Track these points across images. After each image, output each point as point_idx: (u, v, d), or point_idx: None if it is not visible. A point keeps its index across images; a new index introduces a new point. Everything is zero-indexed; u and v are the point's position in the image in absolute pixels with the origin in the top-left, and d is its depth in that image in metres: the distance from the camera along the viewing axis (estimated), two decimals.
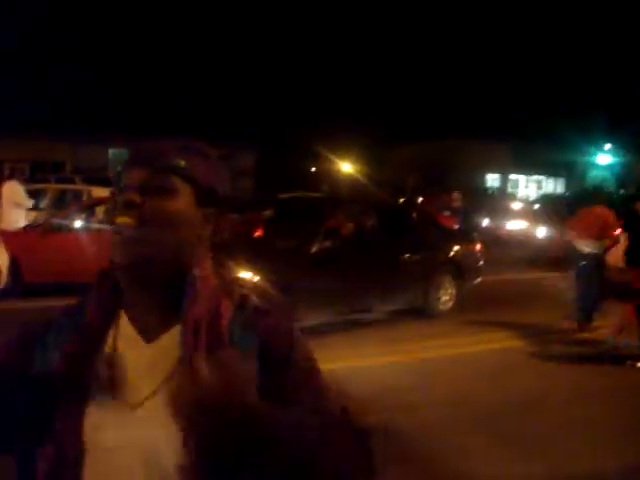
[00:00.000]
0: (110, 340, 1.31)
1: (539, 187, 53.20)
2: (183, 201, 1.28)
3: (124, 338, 1.30)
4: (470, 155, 45.62)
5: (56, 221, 11.52)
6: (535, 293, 11.67)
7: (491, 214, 22.44)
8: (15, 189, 13.63)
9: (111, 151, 43.74)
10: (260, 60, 57.65)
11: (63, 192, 16.64)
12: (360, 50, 62.72)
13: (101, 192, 17.39)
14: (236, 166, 45.88)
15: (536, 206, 25.06)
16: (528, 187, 53.35)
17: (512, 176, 52.23)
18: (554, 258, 14.00)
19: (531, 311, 10.07)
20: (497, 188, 46.40)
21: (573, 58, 56.48)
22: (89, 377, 1.27)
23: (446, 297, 10.19)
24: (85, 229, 11.42)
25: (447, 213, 17.02)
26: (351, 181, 33.56)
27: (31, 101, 41.33)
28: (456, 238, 11.27)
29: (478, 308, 10.37)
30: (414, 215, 10.99)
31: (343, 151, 43.28)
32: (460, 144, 46.06)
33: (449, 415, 5.97)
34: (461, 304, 10.28)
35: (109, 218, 1.28)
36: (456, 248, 10.60)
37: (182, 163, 1.29)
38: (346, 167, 42.90)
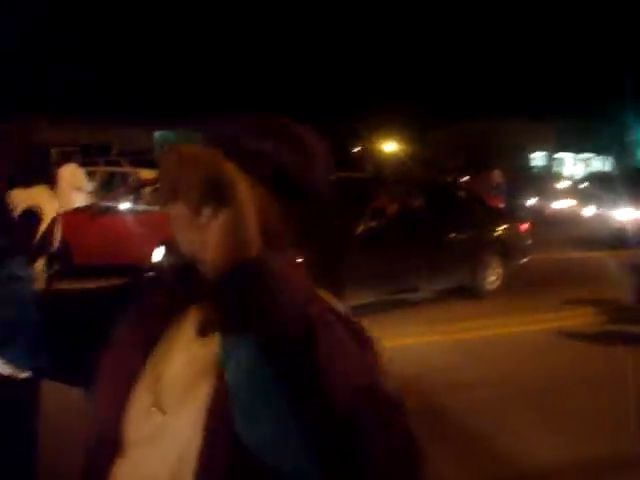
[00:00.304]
0: (168, 334, 1.24)
1: (587, 165, 52.35)
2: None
3: (182, 335, 1.23)
4: (515, 134, 45.05)
5: (104, 203, 11.70)
6: (582, 273, 11.50)
7: (537, 193, 22.16)
8: (76, 172, 13.73)
9: (157, 133, 44.15)
10: (304, 40, 57.48)
11: (111, 175, 16.88)
12: (404, 30, 62.16)
13: (148, 174, 17.63)
14: None
15: (583, 185, 24.67)
16: (576, 165, 52.54)
17: (558, 155, 51.46)
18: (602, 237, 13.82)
19: (578, 291, 9.93)
20: (543, 167, 45.75)
21: (621, 34, 55.22)
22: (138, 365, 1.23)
23: (493, 277, 10.11)
24: (132, 211, 11.57)
25: (493, 193, 16.88)
26: (395, 161, 33.40)
27: (78, 84, 41.86)
28: (503, 217, 11.18)
29: (525, 288, 10.29)
30: (460, 194, 10.90)
31: (386, 131, 43.08)
32: (505, 123, 45.51)
33: (495, 395, 5.93)
34: (508, 284, 10.20)
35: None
36: (503, 227, 10.50)
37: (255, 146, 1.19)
38: (390, 147, 42.72)
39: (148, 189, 12.83)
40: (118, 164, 20.71)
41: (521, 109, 44.67)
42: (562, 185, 26.27)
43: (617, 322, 8.65)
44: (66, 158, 15.01)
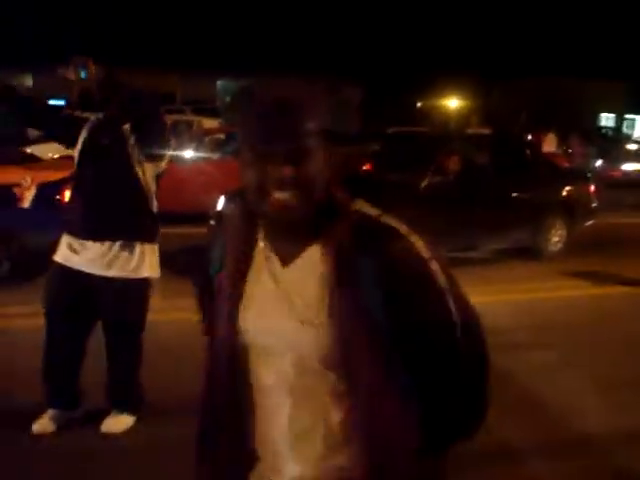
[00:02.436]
0: (254, 261, 1.55)
1: None
2: (320, 154, 1.42)
3: (265, 261, 1.54)
4: (583, 94, 43.84)
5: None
6: None
7: (605, 155, 21.56)
8: None
9: (219, 82, 44.23)
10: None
11: (174, 123, 16.98)
12: None
13: (210, 123, 17.71)
14: (344, 100, 45.79)
15: None
16: None
17: (628, 116, 49.95)
18: None
19: None
20: (612, 128, 44.49)
21: None
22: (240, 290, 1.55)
23: (556, 238, 9.92)
24: (195, 160, 11.66)
25: (559, 151, 16.51)
26: (460, 117, 32.87)
27: (141, 32, 42.07)
28: (569, 178, 10.90)
29: (588, 251, 10.06)
30: (526, 152, 10.66)
31: (452, 87, 42.36)
32: (573, 82, 44.32)
33: (551, 358, 5.86)
34: (571, 246, 9.99)
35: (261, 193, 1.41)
36: (569, 188, 10.26)
37: (315, 124, 1.41)
38: (454, 103, 42.05)
39: (210, 138, 12.90)
40: (182, 112, 20.83)
41: (592, 67, 43.37)
42: (632, 147, 25.53)
43: None
44: None
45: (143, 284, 4.07)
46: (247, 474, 1.64)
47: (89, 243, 3.92)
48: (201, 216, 8.57)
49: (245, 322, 1.53)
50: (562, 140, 19.07)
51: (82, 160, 4.05)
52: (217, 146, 12.39)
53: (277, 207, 1.41)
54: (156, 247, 4.15)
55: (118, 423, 4.15)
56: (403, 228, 1.50)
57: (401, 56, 46.53)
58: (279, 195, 1.39)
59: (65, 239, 4.01)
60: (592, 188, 10.84)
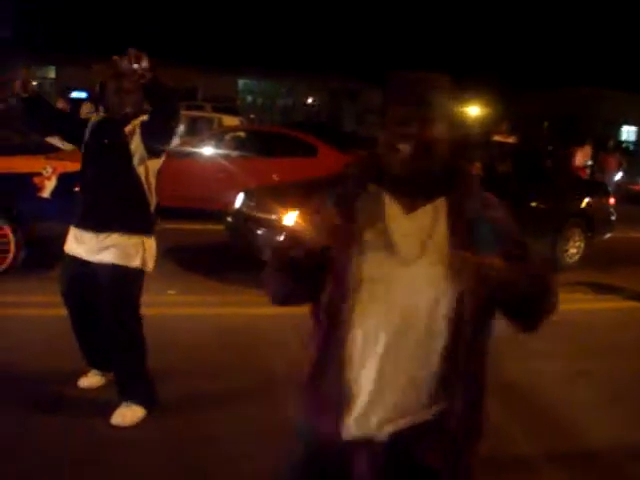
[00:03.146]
0: (380, 211, 1.87)
1: None
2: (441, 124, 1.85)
3: (390, 211, 1.88)
4: (605, 106, 43.60)
5: (187, 148, 11.82)
6: None
7: (626, 169, 21.42)
8: None
9: (241, 81, 44.36)
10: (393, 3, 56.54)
11: (194, 119, 17.03)
12: None
13: (230, 121, 17.76)
14: (364, 103, 45.73)
15: None
16: None
17: None
18: None
19: None
20: (633, 142, 44.22)
21: None
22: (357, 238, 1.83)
23: (574, 250, 9.85)
24: (215, 156, 11.68)
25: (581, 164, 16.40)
26: (482, 125, 32.78)
27: (166, 28, 42.23)
28: (589, 190, 10.83)
29: (605, 264, 9.99)
30: (547, 163, 10.62)
31: (474, 95, 42.22)
32: (595, 94, 44.08)
33: (565, 368, 5.84)
34: (589, 259, 9.93)
35: (389, 139, 1.83)
36: (588, 200, 10.19)
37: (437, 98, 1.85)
38: (476, 110, 41.91)
39: (230, 135, 12.92)
40: (202, 109, 20.89)
41: (614, 79, 43.13)
42: None
43: None
44: None
45: (136, 273, 4.18)
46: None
47: (87, 235, 4.13)
48: (220, 213, 8.60)
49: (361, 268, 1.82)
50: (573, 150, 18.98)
51: (85, 158, 4.25)
52: (237, 144, 12.42)
53: (400, 157, 1.80)
54: (152, 241, 4.27)
55: (127, 415, 4.17)
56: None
57: (422, 63, 46.46)
58: (402, 147, 1.79)
59: (71, 230, 4.26)
60: (611, 201, 10.77)
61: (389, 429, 1.83)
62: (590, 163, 16.85)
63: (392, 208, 1.87)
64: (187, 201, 10.64)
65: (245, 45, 43.05)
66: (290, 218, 7.45)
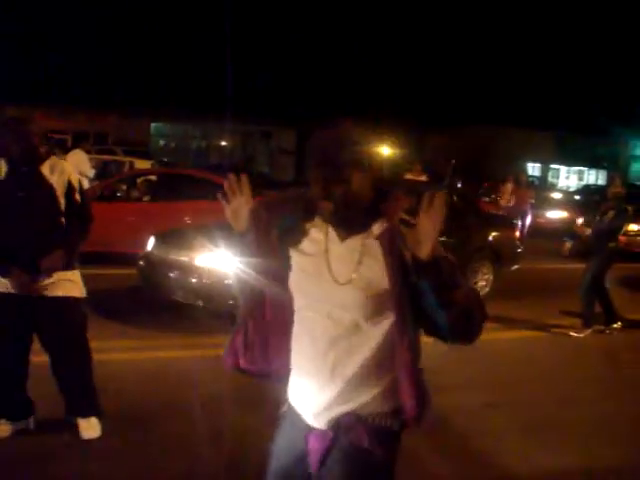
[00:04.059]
0: (323, 239, 2.28)
1: (580, 178, 52.49)
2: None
3: (330, 239, 2.28)
4: (512, 143, 45.14)
5: (99, 191, 11.67)
6: (572, 284, 11.51)
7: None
8: (81, 158, 13.70)
9: (153, 125, 44.05)
10: (302, 42, 57.38)
11: (106, 163, 16.86)
12: (405, 36, 62.12)
13: (142, 164, 17.64)
14: (277, 145, 46.07)
15: (577, 197, 24.80)
16: (569, 178, 52.69)
17: (553, 166, 51.59)
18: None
19: (567, 301, 9.93)
20: (538, 177, 45.87)
21: (618, 48, 55.33)
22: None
23: (483, 282, 10.12)
24: (126, 200, 11.56)
25: (485, 199, 16.90)
26: (389, 164, 33.40)
27: (76, 74, 41.71)
28: (495, 223, 11.18)
29: (515, 295, 10.29)
30: (453, 198, 10.91)
31: (382, 134, 43.06)
32: (501, 131, 45.58)
33: (481, 399, 5.96)
34: (497, 290, 10.20)
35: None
36: (495, 233, 10.51)
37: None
38: (384, 150, 42.77)
39: (141, 179, 12.83)
40: (113, 153, 20.69)
41: (519, 118, 44.74)
42: (557, 196, 26.38)
43: (602, 333, 8.67)
44: (77, 144, 14.91)
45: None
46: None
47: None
48: (131, 257, 8.51)
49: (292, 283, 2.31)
50: (496, 187, 19.50)
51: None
52: (148, 187, 12.32)
53: (326, 209, 2.18)
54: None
55: (93, 427, 4.53)
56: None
57: (333, 103, 47.18)
58: (324, 204, 2.17)
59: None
60: (517, 233, 11.14)
61: (330, 415, 2.26)
62: (497, 198, 17.39)
63: (332, 235, 2.28)
64: (98, 245, 10.46)
65: (157, 88, 42.83)
66: (201, 260, 7.44)
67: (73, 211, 4.42)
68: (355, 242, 2.24)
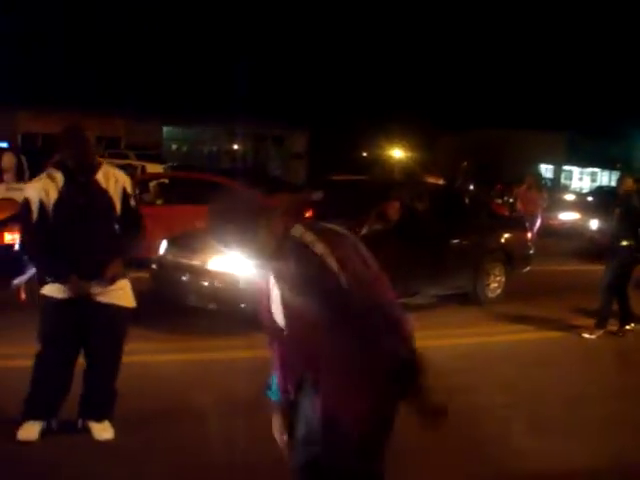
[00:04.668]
0: None
1: (593, 180, 52.32)
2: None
3: None
4: (524, 145, 45.07)
5: None
6: (584, 285, 11.47)
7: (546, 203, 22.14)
8: None
9: (165, 129, 44.19)
10: (314, 46, 57.49)
11: (118, 167, 16.90)
12: (417, 39, 62.12)
13: (154, 168, 17.71)
14: (289, 148, 46.15)
15: (589, 198, 24.70)
16: (582, 179, 52.51)
17: (566, 167, 51.41)
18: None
19: (579, 302, 9.91)
20: (550, 179, 45.72)
21: (631, 50, 55.11)
22: None
23: (495, 284, 10.12)
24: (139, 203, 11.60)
25: (498, 201, 16.87)
26: (403, 166, 33.40)
27: (90, 77, 41.92)
28: (507, 225, 11.17)
29: (526, 297, 10.27)
30: (466, 200, 10.91)
31: (396, 138, 43.07)
32: (513, 133, 45.51)
33: (492, 400, 5.95)
34: (509, 292, 10.20)
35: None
36: (507, 235, 10.51)
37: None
38: (398, 153, 42.75)
39: (154, 182, 12.89)
40: (125, 157, 20.76)
41: (533, 120, 44.64)
42: (569, 197, 26.29)
43: (614, 334, 8.64)
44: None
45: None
46: None
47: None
48: (144, 261, 8.54)
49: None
50: (507, 189, 19.41)
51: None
52: (161, 191, 12.38)
53: None
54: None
55: (107, 430, 4.58)
56: (309, 240, 2.55)
57: (347, 107, 47.21)
58: None
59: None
60: (529, 235, 11.13)
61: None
62: (510, 200, 17.33)
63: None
64: None
65: (169, 92, 42.99)
66: (214, 263, 7.47)
67: (129, 217, 4.57)
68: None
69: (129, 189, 4.61)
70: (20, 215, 4.50)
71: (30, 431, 4.44)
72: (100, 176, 4.47)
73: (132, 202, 4.60)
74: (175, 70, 47.51)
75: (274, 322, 2.72)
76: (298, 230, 2.61)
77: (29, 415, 4.47)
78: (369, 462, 2.67)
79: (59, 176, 4.40)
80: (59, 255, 4.34)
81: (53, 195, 4.35)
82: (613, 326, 8.66)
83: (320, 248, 2.54)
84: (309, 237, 2.57)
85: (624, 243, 8.43)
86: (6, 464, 4.13)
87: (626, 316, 8.67)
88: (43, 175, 4.47)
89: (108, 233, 4.47)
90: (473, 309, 9.58)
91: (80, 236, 4.35)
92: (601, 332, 8.49)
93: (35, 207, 4.35)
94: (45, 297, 4.45)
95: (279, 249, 2.58)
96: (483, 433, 5.21)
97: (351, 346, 2.49)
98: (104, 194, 4.46)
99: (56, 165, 4.49)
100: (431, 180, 12.91)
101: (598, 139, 46.86)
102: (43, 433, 4.48)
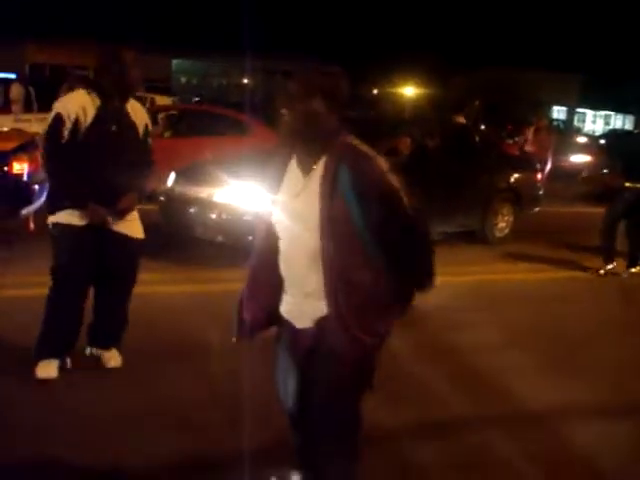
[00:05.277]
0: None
1: (606, 123, 51.75)
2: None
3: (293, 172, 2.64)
4: (537, 86, 44.42)
5: None
6: (592, 227, 11.44)
7: (555, 146, 21.92)
8: None
9: (175, 62, 43.74)
10: None
11: None
12: None
13: (163, 100, 17.57)
14: None
15: (602, 141, 24.48)
16: (595, 122, 51.95)
17: (579, 110, 50.81)
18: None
19: (587, 243, 9.89)
20: (563, 121, 45.21)
21: None
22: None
23: (503, 224, 10.09)
24: None
25: (509, 141, 16.69)
26: (414, 103, 33.06)
27: (99, 8, 41.34)
28: (517, 165, 11.08)
29: (534, 237, 10.27)
30: (477, 139, 10.80)
31: (408, 76, 42.53)
32: (528, 73, 44.84)
33: (498, 336, 6.00)
34: (518, 232, 10.18)
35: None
36: (516, 175, 10.43)
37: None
38: (409, 91, 42.26)
39: (162, 115, 12.79)
40: None
41: (547, 60, 43.93)
42: (581, 140, 26.07)
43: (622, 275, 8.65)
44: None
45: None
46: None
47: None
48: (151, 193, 8.52)
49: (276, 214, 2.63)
50: (518, 130, 19.16)
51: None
52: (170, 123, 12.30)
53: (283, 123, 2.54)
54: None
55: (115, 358, 4.65)
56: (371, 152, 2.49)
57: (358, 45, 46.52)
58: (283, 111, 2.53)
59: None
60: (539, 176, 11.05)
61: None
62: (520, 140, 17.12)
63: (297, 171, 2.62)
64: None
65: (179, 25, 42.41)
66: (221, 195, 7.46)
67: (145, 154, 4.52)
68: (315, 174, 2.54)
69: (150, 126, 4.58)
70: (50, 129, 4.20)
71: (49, 369, 4.36)
72: (129, 106, 4.39)
73: (149, 140, 4.56)
74: (184, 2, 46.76)
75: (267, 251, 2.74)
76: (354, 139, 2.54)
77: (46, 353, 4.38)
78: (363, 385, 2.71)
79: (96, 97, 4.23)
80: (81, 179, 4.20)
81: (90, 114, 4.18)
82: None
83: (383, 163, 2.51)
84: (369, 149, 2.51)
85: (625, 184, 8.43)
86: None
87: (609, 256, 8.70)
88: (81, 91, 4.27)
89: (130, 164, 4.34)
90: (480, 248, 9.58)
91: (105, 163, 4.22)
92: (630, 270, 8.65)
93: (69, 123, 4.15)
94: (60, 225, 4.30)
95: (327, 148, 2.51)
96: (487, 369, 5.25)
97: (388, 267, 2.50)
98: (132, 125, 4.38)
99: (91, 85, 4.33)
100: (459, 120, 12.53)
101: (612, 82, 46.14)
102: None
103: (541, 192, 10.94)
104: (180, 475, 3.55)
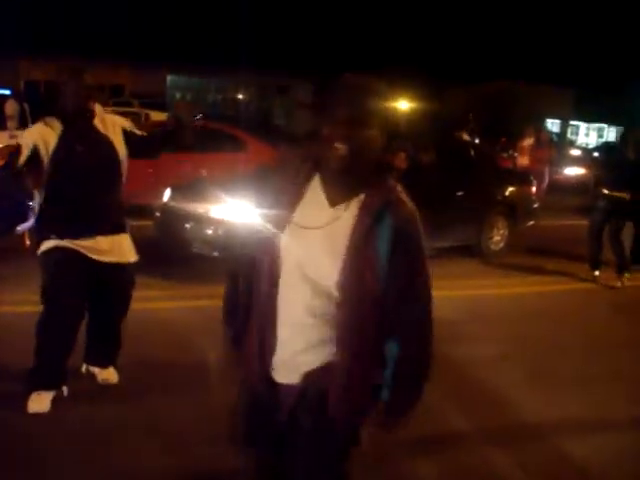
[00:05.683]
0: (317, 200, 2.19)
1: (600, 135, 51.89)
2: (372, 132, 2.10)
3: (314, 198, 2.19)
4: (531, 99, 44.59)
5: None
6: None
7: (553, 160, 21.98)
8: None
9: (169, 78, 43.85)
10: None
11: (122, 115, 16.81)
12: None
13: (158, 116, 17.60)
14: (294, 98, 45.74)
15: (595, 154, 24.52)
16: (588, 135, 52.10)
17: (573, 122, 50.99)
18: None
19: (582, 257, 9.91)
20: (557, 134, 45.37)
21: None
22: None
23: (498, 237, 10.11)
24: None
25: (503, 155, 16.73)
26: (408, 117, 33.17)
27: (94, 25, 41.45)
28: (512, 179, 11.11)
29: (529, 251, 10.32)
30: (471, 153, 10.83)
31: (400, 88, 42.67)
32: (520, 87, 45.01)
33: (493, 350, 6.01)
34: (513, 246, 10.20)
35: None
36: (511, 189, 10.46)
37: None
38: (403, 104, 42.40)
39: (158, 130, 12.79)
40: (129, 105, 20.64)
41: (540, 73, 44.13)
42: (575, 152, 26.14)
43: (618, 289, 8.68)
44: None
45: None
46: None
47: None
48: (147, 209, 8.54)
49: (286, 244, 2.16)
50: (511, 143, 19.21)
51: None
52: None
53: (336, 155, 2.05)
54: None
55: (111, 375, 4.69)
56: (413, 206, 2.17)
57: (352, 58, 46.68)
58: (339, 145, 2.03)
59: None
60: (534, 189, 11.09)
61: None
62: (514, 154, 17.16)
63: (321, 198, 2.19)
64: None
65: (174, 41, 42.54)
66: (217, 211, 7.48)
67: (144, 141, 4.53)
68: (349, 207, 2.16)
69: (127, 126, 4.46)
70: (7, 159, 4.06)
71: (41, 402, 4.25)
72: (97, 122, 4.29)
73: (137, 132, 4.48)
74: (179, 18, 46.91)
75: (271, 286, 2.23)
76: (395, 184, 2.20)
77: (39, 385, 4.28)
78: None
79: (56, 123, 4.18)
80: (58, 208, 4.17)
81: (52, 141, 4.12)
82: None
83: (419, 220, 2.19)
84: (409, 200, 2.19)
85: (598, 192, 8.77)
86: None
87: (595, 263, 9.05)
88: (39, 123, 4.22)
89: (110, 179, 4.31)
90: (476, 261, 9.60)
91: (80, 183, 4.15)
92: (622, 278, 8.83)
93: (26, 152, 4.05)
94: (45, 255, 4.24)
95: (370, 183, 2.15)
96: (483, 383, 5.26)
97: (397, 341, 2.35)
98: (102, 139, 4.27)
99: (53, 112, 4.26)
100: (462, 137, 12.50)
101: (606, 94, 46.34)
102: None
103: (536, 205, 10.97)
104: None
